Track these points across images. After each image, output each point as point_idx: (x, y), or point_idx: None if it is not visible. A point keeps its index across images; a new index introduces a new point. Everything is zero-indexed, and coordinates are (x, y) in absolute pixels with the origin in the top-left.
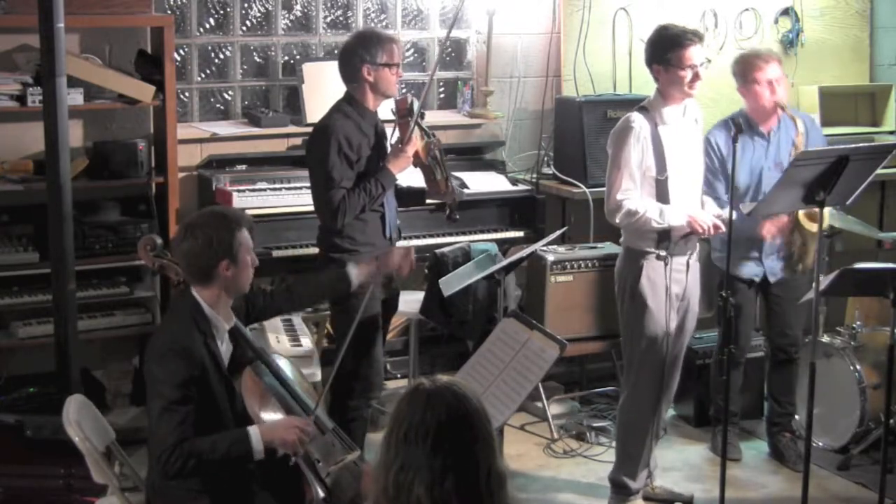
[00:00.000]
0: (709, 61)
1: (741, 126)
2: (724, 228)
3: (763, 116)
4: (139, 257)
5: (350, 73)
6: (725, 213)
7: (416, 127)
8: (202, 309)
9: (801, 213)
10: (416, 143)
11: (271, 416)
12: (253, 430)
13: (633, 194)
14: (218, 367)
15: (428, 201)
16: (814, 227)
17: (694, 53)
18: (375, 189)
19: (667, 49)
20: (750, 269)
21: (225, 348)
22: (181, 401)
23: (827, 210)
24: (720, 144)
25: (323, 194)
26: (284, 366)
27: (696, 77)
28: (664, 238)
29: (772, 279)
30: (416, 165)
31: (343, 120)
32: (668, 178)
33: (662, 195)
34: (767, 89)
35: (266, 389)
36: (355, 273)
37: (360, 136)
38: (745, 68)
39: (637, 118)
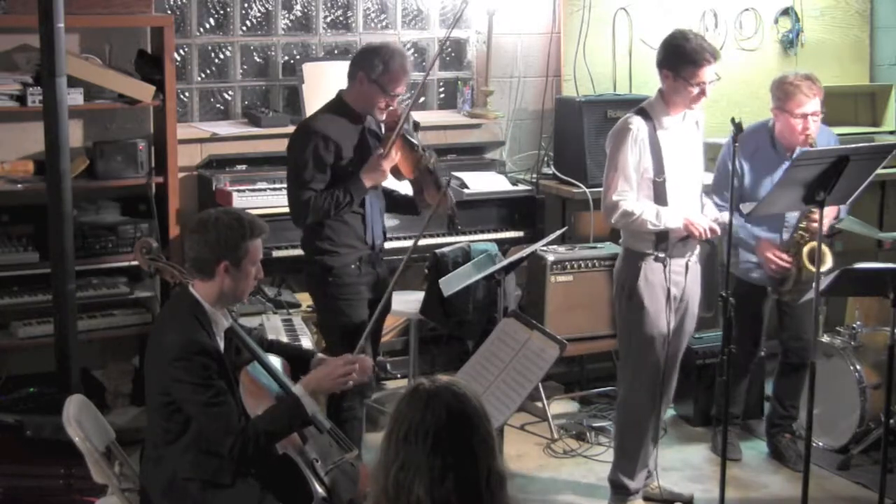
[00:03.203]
0: (718, 78)
1: (741, 127)
2: (719, 232)
3: (789, 143)
4: (135, 259)
5: (352, 70)
6: (724, 216)
7: (401, 141)
8: (202, 306)
9: (805, 252)
10: (395, 158)
11: (265, 408)
12: (301, 394)
13: (629, 195)
14: (223, 362)
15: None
16: (814, 269)
17: (707, 72)
18: (343, 197)
19: (682, 61)
20: (756, 275)
21: (222, 346)
22: (217, 394)
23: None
24: (742, 159)
25: (291, 192)
26: (279, 366)
27: (702, 94)
28: (662, 240)
29: (774, 296)
30: (399, 180)
31: (326, 121)
32: (665, 181)
33: (660, 197)
34: (801, 122)
35: (263, 389)
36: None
37: (342, 137)
38: (786, 96)
39: (636, 120)
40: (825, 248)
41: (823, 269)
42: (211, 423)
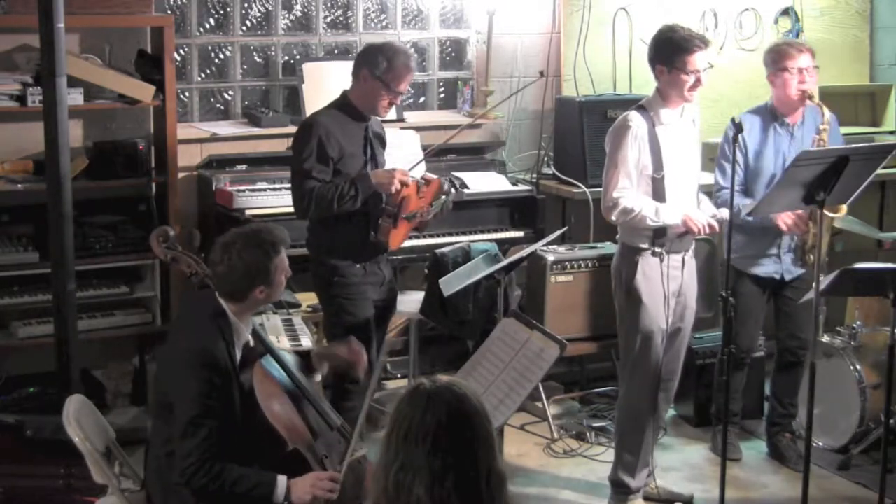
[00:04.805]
0: (711, 66)
1: (741, 126)
2: (717, 229)
3: (789, 107)
4: (150, 248)
5: (356, 68)
6: (721, 212)
7: (434, 185)
8: (227, 317)
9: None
10: (409, 181)
11: (280, 407)
12: (281, 480)
13: (629, 192)
14: (236, 373)
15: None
16: (833, 214)
17: (699, 59)
18: (347, 189)
19: (672, 52)
20: (767, 269)
21: (239, 356)
22: (206, 413)
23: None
24: (744, 133)
25: (294, 183)
26: (291, 361)
27: (697, 83)
28: (660, 235)
29: (787, 277)
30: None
31: (329, 117)
32: (664, 177)
33: (659, 193)
34: (797, 77)
35: (275, 382)
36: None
37: (344, 135)
38: (777, 56)
39: (635, 117)
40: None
41: (840, 215)
42: (184, 438)
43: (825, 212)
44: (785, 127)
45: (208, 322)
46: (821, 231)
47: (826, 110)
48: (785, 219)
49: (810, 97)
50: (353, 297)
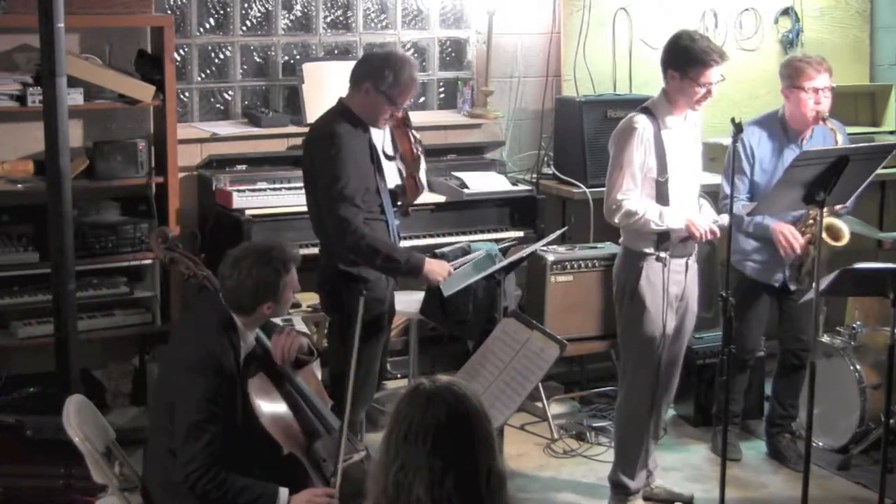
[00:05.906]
0: (723, 79)
1: (741, 126)
2: (719, 234)
3: (801, 124)
4: (151, 249)
5: (358, 79)
6: (722, 218)
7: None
8: (235, 324)
9: (825, 230)
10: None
11: (276, 412)
12: (283, 493)
13: (633, 195)
14: (240, 379)
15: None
16: (834, 244)
17: (714, 73)
18: (399, 257)
19: (689, 62)
20: (776, 276)
21: (242, 358)
22: (210, 419)
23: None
24: (752, 144)
25: (331, 208)
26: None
27: (707, 94)
28: (663, 240)
29: (793, 286)
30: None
31: (348, 132)
32: (668, 181)
33: (662, 197)
34: (812, 97)
35: (274, 388)
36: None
37: (360, 150)
38: (794, 73)
39: (641, 119)
40: (840, 224)
41: (841, 243)
42: (187, 442)
43: (828, 240)
44: (793, 141)
45: (217, 327)
46: (820, 232)
47: (839, 135)
48: (780, 239)
49: (824, 119)
50: (371, 309)
